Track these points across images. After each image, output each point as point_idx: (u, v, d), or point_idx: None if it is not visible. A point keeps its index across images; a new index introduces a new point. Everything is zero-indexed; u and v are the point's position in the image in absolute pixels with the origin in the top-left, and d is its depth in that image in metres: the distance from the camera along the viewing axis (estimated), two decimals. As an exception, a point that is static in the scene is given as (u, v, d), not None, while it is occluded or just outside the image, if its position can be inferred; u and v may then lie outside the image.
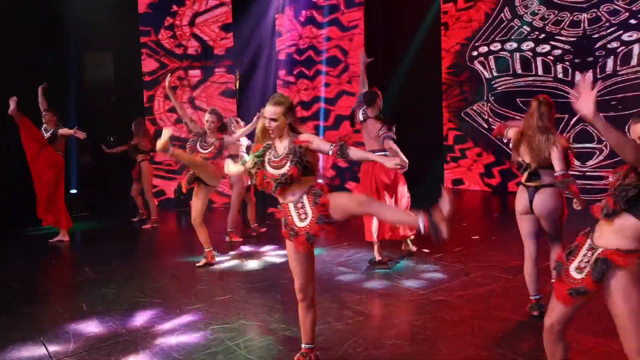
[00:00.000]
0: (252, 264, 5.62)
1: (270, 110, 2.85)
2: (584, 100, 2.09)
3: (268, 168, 2.90)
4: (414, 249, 5.81)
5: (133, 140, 7.93)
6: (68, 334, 3.77)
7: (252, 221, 7.12)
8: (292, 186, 2.85)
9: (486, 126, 10.40)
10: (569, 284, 2.33)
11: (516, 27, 9.74)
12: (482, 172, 10.64)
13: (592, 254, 2.30)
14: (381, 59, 9.93)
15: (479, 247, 6.12)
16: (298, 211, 2.88)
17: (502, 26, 9.98)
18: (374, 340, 3.52)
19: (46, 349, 3.52)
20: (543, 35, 9.41)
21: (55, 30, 9.36)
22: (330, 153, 2.82)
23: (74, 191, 9.34)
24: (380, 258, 5.33)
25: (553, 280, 2.73)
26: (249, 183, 6.57)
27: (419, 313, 3.99)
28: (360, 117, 5.31)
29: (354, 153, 2.82)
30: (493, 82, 10.20)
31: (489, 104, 10.32)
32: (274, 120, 2.84)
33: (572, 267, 2.36)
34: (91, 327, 3.90)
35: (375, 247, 5.36)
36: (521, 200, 3.75)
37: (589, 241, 2.37)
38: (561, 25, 9.17)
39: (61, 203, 6.82)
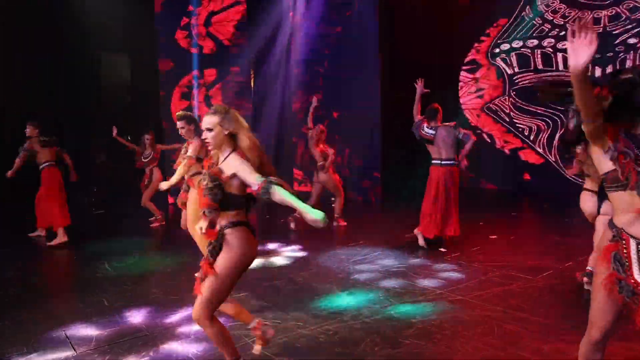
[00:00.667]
0: (267, 262, 5.63)
1: (205, 119, 2.72)
2: (580, 47, 1.77)
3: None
4: (422, 244, 6.02)
5: (144, 152, 7.95)
6: (90, 329, 3.83)
7: (336, 213, 7.48)
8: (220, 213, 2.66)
9: (507, 120, 10.34)
10: None
11: (537, 24, 9.71)
12: (500, 170, 10.55)
13: None
14: (396, 56, 9.89)
15: (497, 246, 6.06)
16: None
17: (523, 24, 9.96)
18: (391, 339, 3.50)
19: (70, 343, 3.58)
20: (564, 32, 9.36)
21: (73, 31, 9.48)
22: (255, 188, 2.54)
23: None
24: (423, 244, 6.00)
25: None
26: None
27: (436, 312, 3.95)
28: (430, 131, 5.85)
29: (279, 196, 2.48)
30: (515, 77, 10.17)
31: (510, 99, 10.27)
32: (209, 130, 2.70)
33: (638, 276, 2.02)
34: (112, 322, 3.95)
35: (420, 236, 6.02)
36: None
37: (632, 242, 2.03)
38: (582, 23, 9.12)
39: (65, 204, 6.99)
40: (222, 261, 2.66)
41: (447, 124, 5.89)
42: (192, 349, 3.42)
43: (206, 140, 2.72)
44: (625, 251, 2.05)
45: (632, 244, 2.03)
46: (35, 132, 6.82)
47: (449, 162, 5.82)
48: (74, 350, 3.47)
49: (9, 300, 4.59)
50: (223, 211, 2.65)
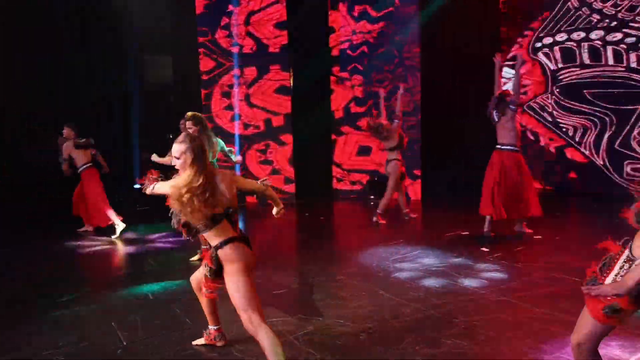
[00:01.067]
0: (307, 259, 5.66)
1: (174, 148, 2.88)
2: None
3: None
4: (526, 231, 6.32)
5: None
6: (137, 321, 3.94)
7: (404, 207, 7.64)
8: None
9: (550, 119, 10.01)
10: (604, 300, 2.10)
11: (584, 15, 9.28)
12: (542, 169, 10.23)
13: (629, 267, 2.07)
14: (437, 52, 9.75)
15: (541, 247, 5.91)
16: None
17: (568, 15, 9.54)
18: (432, 338, 3.46)
19: (118, 334, 3.70)
20: (615, 23, 8.92)
21: (117, 34, 9.76)
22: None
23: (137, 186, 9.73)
24: (487, 230, 6.21)
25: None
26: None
27: (479, 313, 3.88)
28: (495, 117, 6.16)
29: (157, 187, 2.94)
30: (558, 73, 9.79)
31: (553, 97, 9.91)
32: (177, 158, 2.87)
33: (608, 281, 2.13)
34: (158, 315, 4.07)
35: (487, 220, 6.21)
36: None
37: (626, 252, 2.12)
38: (636, 11, 8.65)
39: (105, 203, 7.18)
40: (227, 276, 2.88)
41: (510, 109, 6.11)
42: (235, 344, 3.47)
43: (176, 167, 2.92)
44: (617, 257, 2.15)
45: (624, 254, 2.14)
46: (72, 135, 7.08)
47: (509, 147, 6.12)
48: (122, 341, 3.58)
49: (60, 292, 4.76)
50: (208, 232, 2.86)
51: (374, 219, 7.36)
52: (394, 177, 7.31)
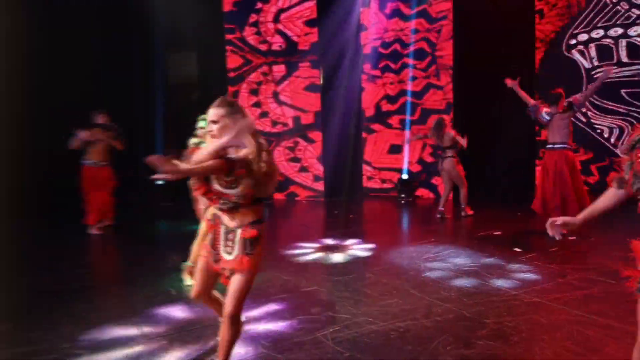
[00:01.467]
0: (337, 257, 5.66)
1: (210, 112, 2.69)
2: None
3: (213, 183, 2.67)
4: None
5: None
6: (158, 317, 3.96)
7: (442, 204, 7.77)
8: (237, 210, 2.66)
9: (585, 120, 9.74)
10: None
11: (623, 10, 8.98)
12: (579, 169, 9.97)
13: None
14: (470, 49, 9.60)
15: (576, 248, 5.77)
16: (227, 240, 2.70)
17: (605, 10, 9.25)
18: (464, 338, 3.42)
19: (140, 329, 3.72)
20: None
21: (143, 31, 9.89)
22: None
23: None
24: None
25: None
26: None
27: (511, 314, 3.81)
28: (547, 117, 6.23)
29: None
30: (593, 72, 9.51)
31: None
32: (214, 122, 2.66)
33: None
34: (180, 311, 4.08)
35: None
36: None
37: None
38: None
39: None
40: (255, 257, 2.68)
41: (574, 111, 6.21)
42: (261, 341, 3.49)
43: (212, 133, 2.69)
44: None
45: None
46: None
47: (561, 145, 6.20)
48: (145, 336, 3.60)
49: (84, 286, 4.85)
50: (253, 205, 2.67)
51: (462, 213, 7.63)
52: (455, 173, 7.45)
